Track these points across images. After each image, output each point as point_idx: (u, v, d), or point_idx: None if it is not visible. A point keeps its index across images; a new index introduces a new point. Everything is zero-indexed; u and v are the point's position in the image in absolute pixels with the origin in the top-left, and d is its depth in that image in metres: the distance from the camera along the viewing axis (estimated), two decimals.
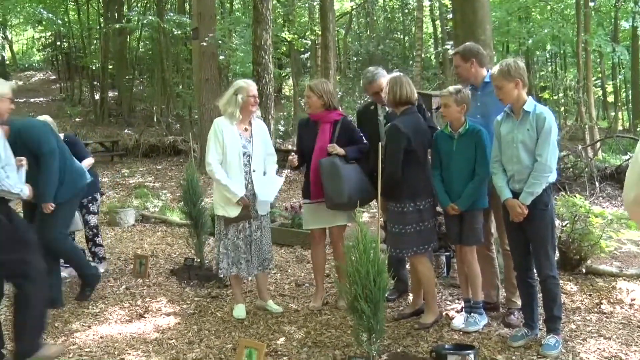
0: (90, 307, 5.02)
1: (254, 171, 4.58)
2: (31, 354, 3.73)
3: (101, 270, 5.67)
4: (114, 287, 5.61)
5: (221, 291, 5.35)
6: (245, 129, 4.62)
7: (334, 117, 4.71)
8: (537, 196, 3.76)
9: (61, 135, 5.45)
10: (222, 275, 4.77)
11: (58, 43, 25.86)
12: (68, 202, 4.87)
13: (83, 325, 4.58)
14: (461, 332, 4.15)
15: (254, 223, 4.64)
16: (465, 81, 4.47)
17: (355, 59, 19.19)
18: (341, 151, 4.55)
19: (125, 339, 4.28)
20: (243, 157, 4.54)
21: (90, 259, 5.88)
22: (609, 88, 24.94)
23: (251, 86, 4.63)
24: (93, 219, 5.94)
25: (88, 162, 5.67)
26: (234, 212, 4.52)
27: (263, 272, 4.78)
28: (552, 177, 3.79)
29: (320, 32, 14.10)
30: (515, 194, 3.84)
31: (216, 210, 4.64)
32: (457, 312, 4.52)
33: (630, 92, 24.37)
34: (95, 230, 5.95)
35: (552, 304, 3.85)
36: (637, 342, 3.92)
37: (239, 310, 4.69)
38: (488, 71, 4.47)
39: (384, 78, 4.58)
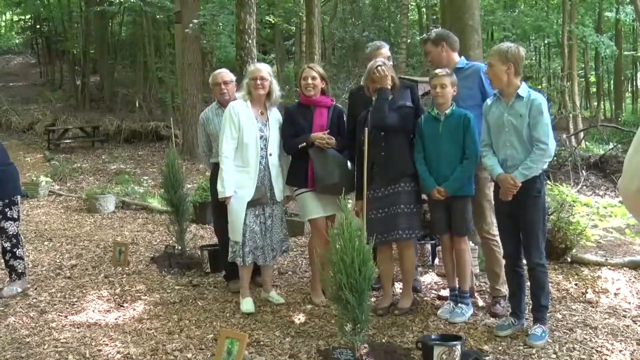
0: (67, 296, 4.89)
1: (270, 155, 4.51)
2: None
3: (18, 289, 4.92)
4: (92, 275, 5.47)
5: (202, 279, 5.25)
6: (261, 113, 4.56)
7: (330, 102, 4.65)
8: (531, 183, 3.71)
9: None
10: (241, 264, 4.52)
11: (38, 26, 25.30)
12: None
13: (59, 315, 4.45)
14: (447, 322, 4.10)
15: (267, 210, 4.54)
16: (438, 67, 4.41)
17: (340, 45, 19.02)
18: (332, 142, 4.46)
19: (103, 329, 4.17)
20: (260, 140, 4.46)
21: (8, 276, 5.06)
22: (592, 78, 25.05)
23: (257, 69, 4.58)
24: (12, 227, 4.93)
25: None
26: (247, 195, 4.41)
27: (269, 263, 4.66)
28: (547, 164, 3.76)
29: (305, 17, 13.92)
30: None
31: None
32: (442, 299, 4.47)
33: (612, 82, 24.54)
34: (14, 240, 4.94)
35: (540, 293, 3.80)
36: (622, 331, 3.89)
37: (248, 304, 4.47)
38: (461, 57, 4.50)
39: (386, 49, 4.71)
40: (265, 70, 4.58)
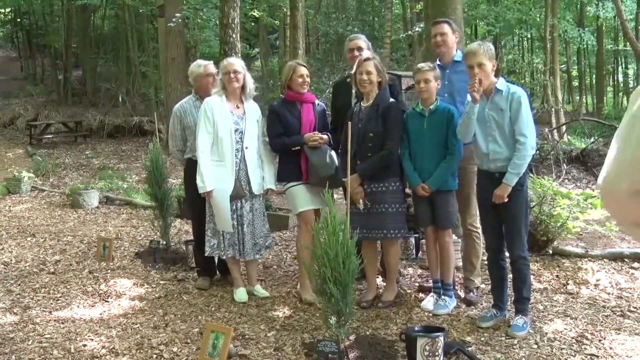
0: (51, 292, 4.87)
1: (246, 148, 4.52)
2: None
3: None
4: (76, 271, 5.45)
5: (187, 274, 5.25)
6: (237, 107, 4.59)
7: (314, 98, 4.69)
8: None
9: None
10: (224, 257, 4.66)
11: (18, 20, 24.95)
12: None
13: (44, 311, 4.43)
14: (431, 314, 4.15)
15: (246, 204, 4.55)
16: (442, 53, 4.43)
17: (324, 39, 18.99)
18: (325, 138, 4.48)
19: (88, 324, 4.16)
20: (235, 133, 4.48)
21: None
22: (574, 72, 25.28)
23: (229, 63, 4.57)
24: None
25: None
26: (228, 187, 4.43)
27: (253, 257, 4.66)
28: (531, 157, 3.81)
29: (289, 12, 13.88)
30: (490, 174, 3.84)
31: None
32: (426, 292, 4.52)
33: (594, 76, 24.78)
34: None
35: (521, 285, 3.86)
36: (602, 321, 3.97)
37: (241, 294, 4.59)
38: (457, 50, 4.48)
39: (363, 42, 4.68)
40: (238, 64, 4.60)
